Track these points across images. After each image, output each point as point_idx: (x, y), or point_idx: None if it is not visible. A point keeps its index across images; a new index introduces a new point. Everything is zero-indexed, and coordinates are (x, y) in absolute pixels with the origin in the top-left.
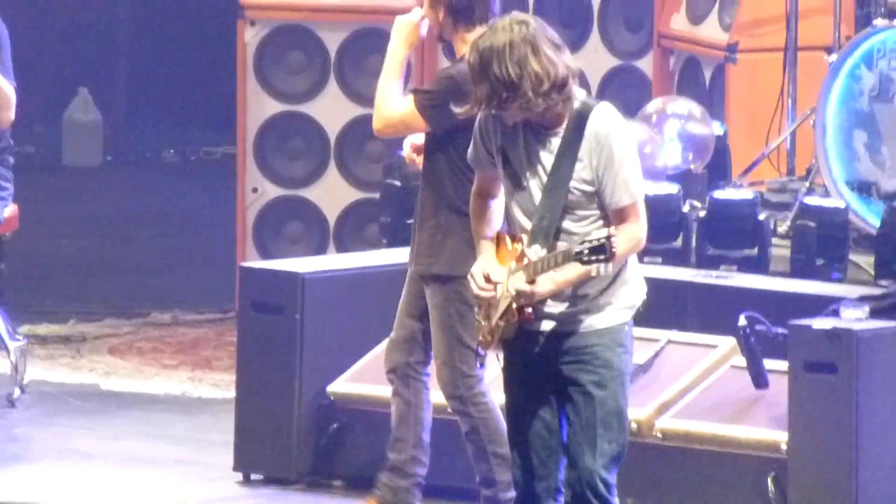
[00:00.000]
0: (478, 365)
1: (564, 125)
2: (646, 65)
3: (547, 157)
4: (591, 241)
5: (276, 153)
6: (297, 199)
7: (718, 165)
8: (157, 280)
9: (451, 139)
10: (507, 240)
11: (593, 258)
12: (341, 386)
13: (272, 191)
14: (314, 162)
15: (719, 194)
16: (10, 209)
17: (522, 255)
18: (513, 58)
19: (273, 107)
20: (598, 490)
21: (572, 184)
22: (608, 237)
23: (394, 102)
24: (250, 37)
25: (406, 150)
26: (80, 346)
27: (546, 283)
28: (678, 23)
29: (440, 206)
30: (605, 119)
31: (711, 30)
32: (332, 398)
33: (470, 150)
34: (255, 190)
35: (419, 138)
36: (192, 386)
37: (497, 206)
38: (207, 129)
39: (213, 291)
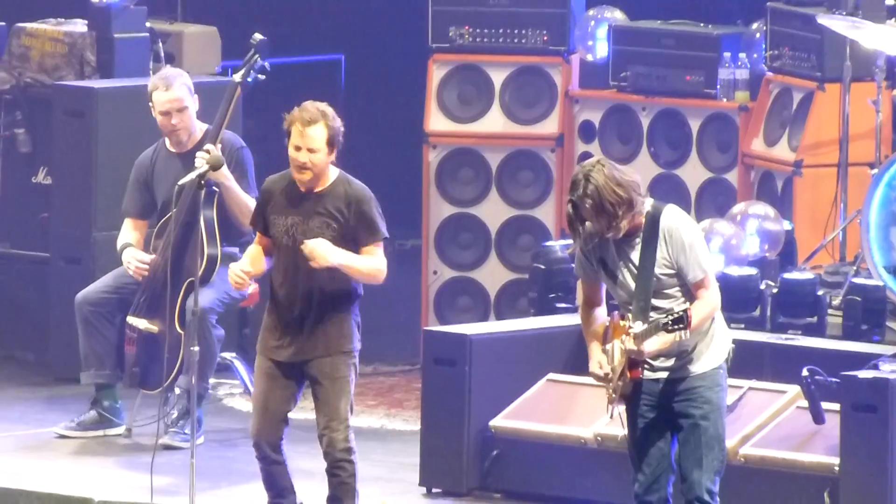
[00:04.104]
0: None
1: (642, 228)
2: (732, 177)
3: (634, 255)
4: (673, 314)
5: (451, 244)
6: (466, 280)
7: (787, 254)
8: (362, 341)
9: None
10: (619, 319)
11: (675, 327)
12: (500, 421)
13: (447, 273)
14: (479, 251)
15: (788, 276)
16: (253, 287)
17: (628, 329)
18: (614, 183)
19: (448, 209)
20: (704, 498)
21: (656, 270)
22: (685, 311)
23: (381, 268)
24: (432, 157)
25: (239, 273)
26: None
27: (651, 345)
28: (757, 145)
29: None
30: (673, 216)
31: (782, 150)
32: (493, 431)
33: (576, 267)
34: (434, 272)
35: (255, 266)
36: (388, 421)
37: (600, 312)
38: (400, 227)
39: (404, 349)
